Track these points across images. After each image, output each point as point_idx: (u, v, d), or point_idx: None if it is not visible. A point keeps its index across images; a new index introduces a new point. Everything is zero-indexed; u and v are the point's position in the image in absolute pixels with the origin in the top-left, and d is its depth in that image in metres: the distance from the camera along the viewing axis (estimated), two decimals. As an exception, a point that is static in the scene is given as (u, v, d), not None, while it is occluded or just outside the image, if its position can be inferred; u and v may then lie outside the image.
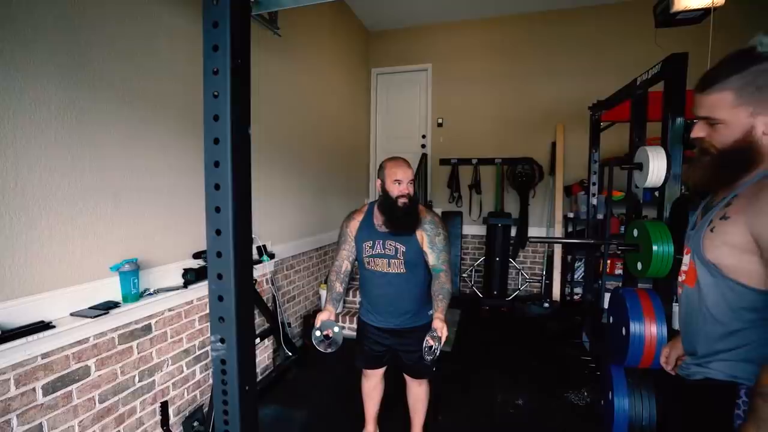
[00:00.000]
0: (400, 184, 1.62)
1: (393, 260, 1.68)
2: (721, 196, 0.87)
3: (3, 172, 1.26)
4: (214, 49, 0.70)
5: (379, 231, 1.69)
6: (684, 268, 0.95)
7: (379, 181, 1.69)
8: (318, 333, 1.53)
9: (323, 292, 3.40)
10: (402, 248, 1.66)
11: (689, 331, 0.94)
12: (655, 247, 1.64)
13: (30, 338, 1.25)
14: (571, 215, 4.17)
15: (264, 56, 2.66)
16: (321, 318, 1.56)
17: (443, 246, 1.67)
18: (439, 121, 4.77)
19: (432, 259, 1.67)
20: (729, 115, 0.80)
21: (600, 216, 3.28)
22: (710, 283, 0.84)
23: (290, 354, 2.77)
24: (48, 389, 1.35)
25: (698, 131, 0.87)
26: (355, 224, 1.74)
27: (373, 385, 1.96)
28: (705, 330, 0.88)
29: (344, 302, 3.58)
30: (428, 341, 1.44)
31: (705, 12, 1.79)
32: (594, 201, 3.04)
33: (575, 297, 4.13)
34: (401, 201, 1.61)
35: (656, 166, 1.74)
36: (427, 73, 4.79)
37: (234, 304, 0.73)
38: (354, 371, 2.01)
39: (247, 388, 0.77)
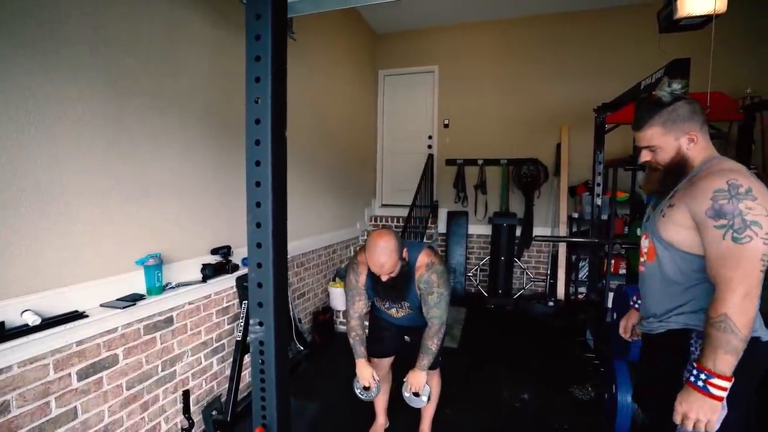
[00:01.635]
0: (376, 273, 1.65)
1: (400, 309, 1.84)
2: (666, 195, 1.18)
3: (48, 169, 1.34)
4: (256, 60, 0.77)
5: None
6: (644, 249, 1.24)
7: None
8: (359, 386, 1.87)
9: (332, 290, 3.48)
10: (406, 303, 1.80)
11: (651, 297, 1.22)
12: (657, 245, 1.70)
13: (67, 326, 1.34)
14: (575, 215, 4.22)
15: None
16: (365, 375, 1.83)
17: (434, 303, 1.70)
18: (446, 122, 4.84)
19: (424, 310, 1.76)
20: (662, 142, 1.14)
21: (604, 216, 3.33)
22: (666, 255, 1.14)
23: (301, 348, 2.84)
24: (82, 375, 1.43)
25: (644, 157, 1.20)
26: (362, 278, 1.79)
27: (382, 375, 2.02)
28: (664, 292, 1.16)
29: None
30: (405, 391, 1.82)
31: (707, 19, 1.85)
32: (598, 201, 3.09)
33: (579, 296, 4.19)
34: (384, 277, 1.64)
35: (659, 167, 1.80)
36: (434, 74, 4.86)
37: (272, 290, 0.80)
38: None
39: (281, 367, 0.84)
